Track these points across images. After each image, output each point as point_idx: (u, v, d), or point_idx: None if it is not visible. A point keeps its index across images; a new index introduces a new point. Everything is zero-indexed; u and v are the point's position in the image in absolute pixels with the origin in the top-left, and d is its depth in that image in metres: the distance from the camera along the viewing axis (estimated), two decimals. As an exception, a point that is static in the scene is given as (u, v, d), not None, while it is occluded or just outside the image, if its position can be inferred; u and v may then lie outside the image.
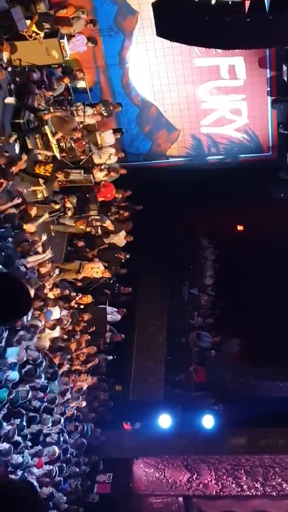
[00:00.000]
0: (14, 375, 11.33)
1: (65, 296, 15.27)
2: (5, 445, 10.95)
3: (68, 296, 15.47)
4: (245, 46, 14.48)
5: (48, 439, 13.20)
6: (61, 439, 13.77)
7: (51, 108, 15.03)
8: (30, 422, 12.14)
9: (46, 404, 12.90)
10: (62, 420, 13.73)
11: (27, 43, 14.36)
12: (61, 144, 15.53)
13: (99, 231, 17.00)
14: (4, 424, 11.13)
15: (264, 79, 17.50)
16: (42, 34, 14.43)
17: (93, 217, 16.69)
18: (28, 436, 12.04)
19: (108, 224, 16.99)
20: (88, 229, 16.83)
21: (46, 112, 14.72)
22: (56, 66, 15.52)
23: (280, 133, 18.23)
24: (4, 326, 10.71)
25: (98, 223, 16.80)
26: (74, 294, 15.92)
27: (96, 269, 16.28)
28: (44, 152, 15.49)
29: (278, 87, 17.45)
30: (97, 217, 16.75)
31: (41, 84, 14.95)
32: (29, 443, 12.21)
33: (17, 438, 11.46)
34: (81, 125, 15.97)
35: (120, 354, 18.21)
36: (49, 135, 14.93)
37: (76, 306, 15.69)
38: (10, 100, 13.72)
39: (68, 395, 14.32)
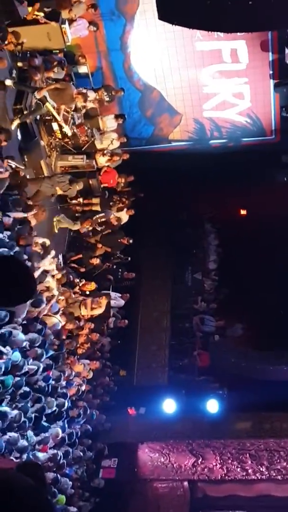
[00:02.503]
0: (16, 355, 11.14)
1: (69, 282, 15.25)
2: (14, 434, 10.93)
3: (71, 282, 15.45)
4: (247, 29, 14.35)
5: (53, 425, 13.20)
6: (66, 423, 13.78)
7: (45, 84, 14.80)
8: (34, 403, 12.13)
9: (52, 382, 12.85)
10: (67, 404, 13.71)
11: (29, 28, 14.28)
12: (63, 129, 15.45)
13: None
14: (9, 409, 11.11)
15: (266, 62, 17.40)
16: (42, 14, 14.35)
17: (97, 216, 16.71)
18: (32, 419, 11.99)
19: (113, 218, 17.00)
20: (91, 227, 16.82)
21: (43, 86, 14.51)
22: (58, 51, 15.43)
23: (283, 117, 18.17)
24: (8, 309, 10.65)
25: (103, 220, 16.82)
26: (78, 280, 15.90)
27: (97, 304, 15.78)
28: (48, 138, 15.46)
29: (280, 70, 17.36)
30: (101, 214, 16.76)
31: (48, 66, 14.77)
32: (34, 431, 12.20)
33: (23, 419, 11.40)
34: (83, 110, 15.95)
35: (124, 339, 18.23)
36: (54, 113, 14.75)
37: (80, 292, 15.64)
38: (8, 82, 13.63)
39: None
